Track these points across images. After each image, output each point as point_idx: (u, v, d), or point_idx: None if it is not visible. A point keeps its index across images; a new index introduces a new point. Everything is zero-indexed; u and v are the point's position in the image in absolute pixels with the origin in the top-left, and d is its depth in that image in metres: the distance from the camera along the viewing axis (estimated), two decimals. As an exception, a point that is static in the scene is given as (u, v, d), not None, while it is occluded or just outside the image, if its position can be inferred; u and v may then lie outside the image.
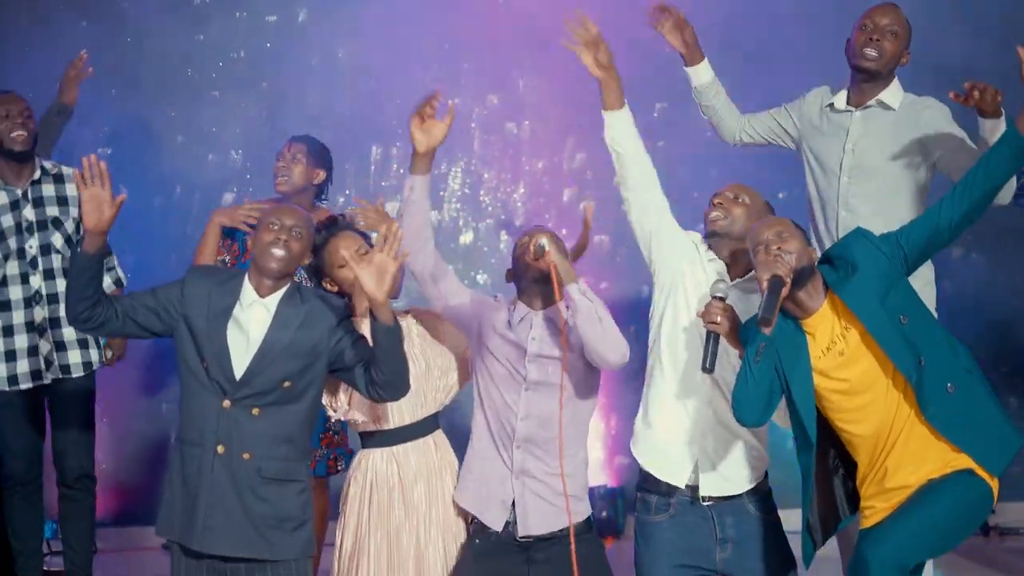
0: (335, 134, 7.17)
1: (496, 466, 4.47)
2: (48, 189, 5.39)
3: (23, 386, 5.34)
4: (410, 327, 4.64)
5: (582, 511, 4.50)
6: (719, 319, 4.22)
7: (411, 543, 4.49)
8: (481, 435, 4.52)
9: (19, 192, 5.32)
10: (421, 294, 4.60)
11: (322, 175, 5.72)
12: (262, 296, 4.37)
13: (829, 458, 4.30)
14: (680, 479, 4.46)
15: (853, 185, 4.91)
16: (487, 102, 7.31)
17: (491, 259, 7.30)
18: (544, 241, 4.32)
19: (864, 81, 4.91)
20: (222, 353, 4.29)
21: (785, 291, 4.05)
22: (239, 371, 4.26)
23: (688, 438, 4.46)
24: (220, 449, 4.26)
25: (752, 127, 5.19)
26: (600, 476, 7.09)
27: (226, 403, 4.27)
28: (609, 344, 4.30)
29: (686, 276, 4.51)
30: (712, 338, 4.25)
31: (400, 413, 4.51)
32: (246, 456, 4.27)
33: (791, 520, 4.51)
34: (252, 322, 4.33)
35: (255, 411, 4.28)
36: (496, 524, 4.44)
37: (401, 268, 4.35)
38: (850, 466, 4.29)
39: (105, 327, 4.32)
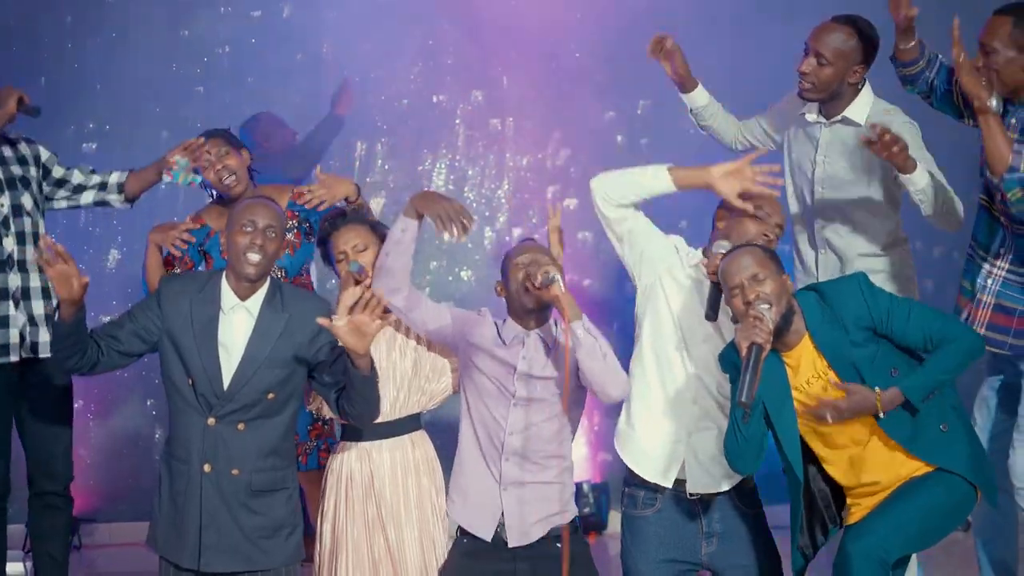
0: (320, 129, 7.19)
1: (485, 479, 4.51)
2: (7, 150, 5.01)
3: None
4: (404, 324, 4.66)
5: (569, 513, 4.55)
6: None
7: (386, 542, 4.53)
8: (469, 448, 4.55)
9: None
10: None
11: (247, 155, 5.35)
12: (242, 299, 4.39)
13: (811, 479, 4.35)
14: (667, 479, 4.51)
15: (825, 195, 4.95)
16: (471, 98, 7.34)
17: (475, 256, 7.32)
18: (555, 274, 4.32)
19: (820, 103, 4.93)
20: (211, 366, 4.29)
21: (764, 355, 4.06)
22: (226, 383, 4.28)
23: (674, 438, 4.51)
24: (207, 468, 4.28)
25: (745, 135, 5.25)
26: (584, 472, 7.13)
27: (211, 420, 4.29)
28: (610, 380, 4.37)
29: (665, 281, 4.55)
30: (715, 287, 4.35)
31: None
32: (235, 472, 4.29)
33: (772, 516, 4.57)
34: (234, 329, 4.34)
35: (240, 426, 4.30)
36: (485, 535, 4.49)
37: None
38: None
39: (96, 368, 4.33)
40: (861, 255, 4.90)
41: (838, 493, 4.35)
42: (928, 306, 4.36)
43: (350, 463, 4.58)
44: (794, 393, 4.22)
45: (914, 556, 4.87)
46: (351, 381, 4.25)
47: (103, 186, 5.20)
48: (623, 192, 4.47)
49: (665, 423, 4.51)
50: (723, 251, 4.36)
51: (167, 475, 4.37)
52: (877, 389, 4.11)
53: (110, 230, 7.04)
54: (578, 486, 6.94)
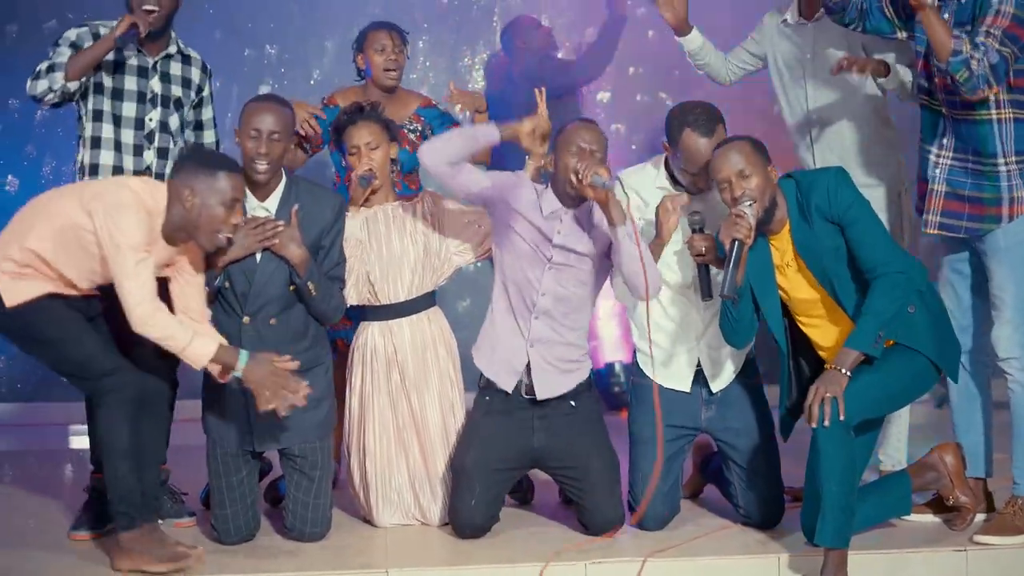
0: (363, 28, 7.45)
1: (512, 335, 4.80)
2: (176, 68, 5.12)
3: None
4: (416, 210, 4.99)
5: (585, 370, 4.87)
6: (703, 251, 4.59)
7: (409, 408, 4.91)
8: (500, 305, 4.83)
9: (151, 61, 5.04)
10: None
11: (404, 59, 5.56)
12: (261, 200, 4.67)
13: (799, 352, 4.67)
14: (686, 384, 4.84)
15: (817, 93, 5.17)
16: (509, -3, 7.58)
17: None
18: (607, 181, 4.50)
19: None
20: (247, 266, 4.61)
21: (746, 250, 4.34)
22: (254, 281, 4.59)
23: (687, 348, 4.83)
24: None
25: (734, 65, 5.40)
26: (617, 353, 7.36)
27: (246, 319, 4.61)
28: (643, 283, 4.59)
29: (646, 203, 4.85)
30: (702, 269, 4.63)
31: (396, 291, 4.91)
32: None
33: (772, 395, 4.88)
34: None
35: (272, 321, 4.62)
36: (507, 386, 4.80)
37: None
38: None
39: None
40: (858, 146, 5.15)
41: (821, 366, 4.64)
42: (886, 232, 4.52)
43: (373, 339, 4.94)
44: (777, 274, 4.51)
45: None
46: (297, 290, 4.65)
47: None
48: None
49: (676, 334, 4.83)
50: (697, 226, 4.63)
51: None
52: (843, 371, 4.33)
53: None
54: (610, 366, 7.28)
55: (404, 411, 4.93)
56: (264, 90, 7.36)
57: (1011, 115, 4.56)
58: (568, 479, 4.82)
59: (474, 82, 7.55)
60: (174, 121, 5.09)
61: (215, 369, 4.44)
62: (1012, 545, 4.56)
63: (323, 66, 7.43)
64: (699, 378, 4.85)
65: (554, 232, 4.73)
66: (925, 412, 5.21)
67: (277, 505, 5.15)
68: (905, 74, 4.86)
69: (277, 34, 7.48)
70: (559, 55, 7.12)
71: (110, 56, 4.95)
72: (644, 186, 4.87)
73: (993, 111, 4.56)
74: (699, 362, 4.83)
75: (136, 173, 4.96)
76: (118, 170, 4.97)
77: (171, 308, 4.46)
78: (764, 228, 4.45)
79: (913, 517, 4.79)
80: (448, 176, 4.72)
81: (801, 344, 4.66)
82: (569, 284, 4.76)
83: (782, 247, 4.50)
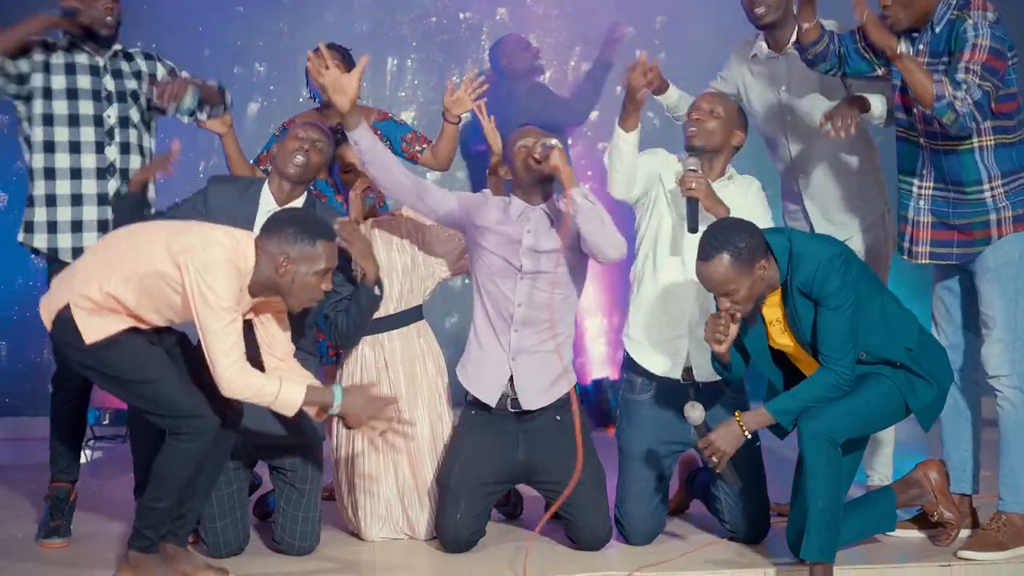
0: (353, 47, 7.49)
1: (494, 349, 4.85)
2: (124, 64, 5.20)
3: None
4: (400, 224, 5.05)
5: (569, 381, 4.89)
6: (694, 185, 4.63)
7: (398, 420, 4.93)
8: (480, 322, 4.88)
9: (100, 61, 5.14)
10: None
11: None
12: (280, 204, 4.75)
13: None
14: (675, 371, 4.87)
15: (795, 125, 5.19)
16: (496, 15, 7.61)
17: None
18: (553, 142, 4.65)
19: (773, 30, 5.11)
20: None
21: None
22: None
23: (678, 334, 4.86)
24: None
25: None
26: (604, 370, 7.43)
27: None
28: (609, 241, 4.65)
29: (664, 180, 4.88)
30: (691, 203, 4.68)
31: (385, 304, 4.93)
32: None
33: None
34: None
35: None
36: (491, 401, 4.84)
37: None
38: None
39: None
40: (845, 174, 5.20)
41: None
42: (851, 330, 4.42)
43: (363, 352, 4.99)
44: (768, 328, 4.57)
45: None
46: (359, 299, 4.75)
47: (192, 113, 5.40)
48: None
49: (670, 321, 4.86)
50: (692, 167, 4.69)
51: None
52: (745, 431, 4.48)
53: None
54: (598, 382, 7.34)
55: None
56: (253, 108, 7.43)
57: (992, 142, 4.59)
58: (554, 493, 4.83)
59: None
60: (135, 114, 5.18)
61: (311, 410, 4.42)
62: (995, 560, 4.60)
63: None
64: (689, 395, 4.84)
65: (523, 232, 4.78)
66: (912, 428, 5.23)
67: (266, 519, 5.18)
68: (883, 103, 4.87)
69: (266, 52, 7.52)
70: (548, 84, 7.17)
71: (60, 59, 5.08)
72: (665, 167, 4.91)
73: (975, 140, 4.58)
74: (688, 356, 4.86)
75: (98, 171, 5.07)
76: (76, 172, 5.05)
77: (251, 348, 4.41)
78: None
79: (898, 533, 4.83)
80: (415, 199, 4.82)
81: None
82: (543, 290, 4.80)
83: (773, 305, 4.54)
